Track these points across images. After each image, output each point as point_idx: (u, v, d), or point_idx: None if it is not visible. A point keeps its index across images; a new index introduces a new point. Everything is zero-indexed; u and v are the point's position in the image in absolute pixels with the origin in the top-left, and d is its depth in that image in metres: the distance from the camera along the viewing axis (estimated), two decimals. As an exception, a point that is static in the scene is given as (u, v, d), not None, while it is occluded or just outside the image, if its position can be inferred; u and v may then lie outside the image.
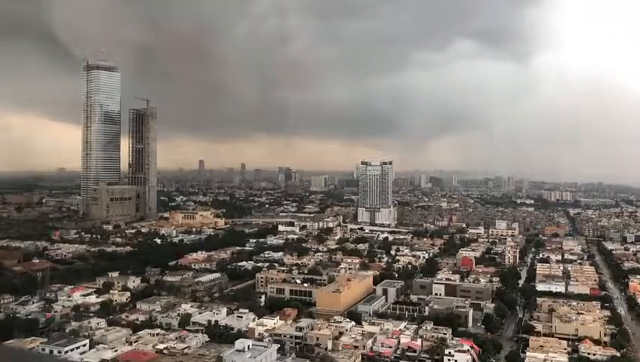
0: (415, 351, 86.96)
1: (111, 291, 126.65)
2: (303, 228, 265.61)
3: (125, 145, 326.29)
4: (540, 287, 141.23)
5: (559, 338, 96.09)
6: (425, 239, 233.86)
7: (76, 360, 77.92)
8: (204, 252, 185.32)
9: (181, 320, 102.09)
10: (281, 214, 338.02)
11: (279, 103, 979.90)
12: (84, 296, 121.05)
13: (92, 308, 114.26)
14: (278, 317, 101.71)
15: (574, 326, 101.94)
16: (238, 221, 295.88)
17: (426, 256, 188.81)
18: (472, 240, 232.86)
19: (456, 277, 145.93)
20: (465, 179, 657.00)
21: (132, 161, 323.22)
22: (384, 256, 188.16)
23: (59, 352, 78.76)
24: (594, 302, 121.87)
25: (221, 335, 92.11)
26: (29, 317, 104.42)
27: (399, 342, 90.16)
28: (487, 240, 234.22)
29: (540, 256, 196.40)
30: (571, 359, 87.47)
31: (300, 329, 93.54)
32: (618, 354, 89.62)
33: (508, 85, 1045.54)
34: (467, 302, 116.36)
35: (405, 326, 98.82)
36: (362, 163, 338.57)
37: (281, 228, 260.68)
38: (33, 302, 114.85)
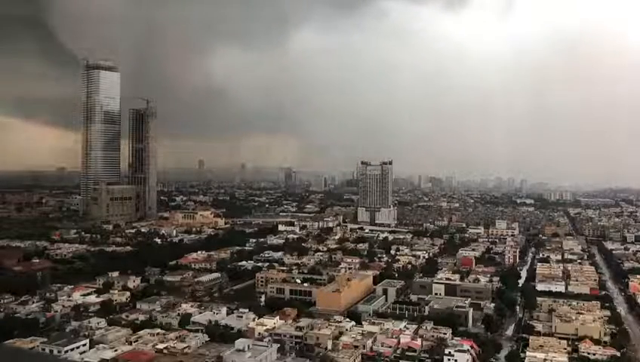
0: (415, 351, 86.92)
1: (111, 291, 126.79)
2: (303, 227, 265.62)
3: (125, 145, 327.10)
4: (540, 287, 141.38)
5: (559, 338, 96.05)
6: (425, 239, 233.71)
7: (76, 359, 77.91)
8: (204, 252, 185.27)
9: (181, 320, 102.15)
10: (281, 214, 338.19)
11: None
12: (84, 295, 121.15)
13: (92, 307, 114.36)
14: (278, 317, 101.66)
15: (574, 325, 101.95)
16: (238, 221, 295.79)
17: (426, 255, 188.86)
18: (472, 239, 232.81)
19: (456, 277, 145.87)
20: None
21: (132, 161, 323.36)
22: (384, 255, 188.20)
23: (59, 352, 78.72)
24: (594, 302, 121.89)
25: (221, 335, 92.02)
26: (29, 316, 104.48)
27: (399, 341, 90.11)
28: (487, 240, 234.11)
29: (540, 255, 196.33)
30: (571, 359, 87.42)
31: (300, 328, 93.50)
32: (618, 354, 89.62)
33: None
34: (467, 302, 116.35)
35: (405, 326, 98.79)
36: (362, 163, 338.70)
37: (281, 227, 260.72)
38: (33, 302, 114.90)
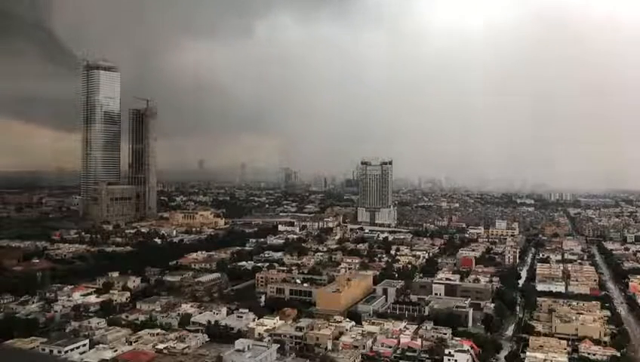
0: (415, 351, 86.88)
1: (111, 291, 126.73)
2: (303, 228, 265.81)
3: (125, 145, 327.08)
4: (540, 287, 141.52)
5: (559, 339, 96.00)
6: (425, 239, 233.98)
7: (76, 360, 77.95)
8: (204, 252, 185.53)
9: (181, 320, 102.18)
10: (281, 214, 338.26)
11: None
12: (84, 295, 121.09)
13: (92, 308, 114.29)
14: (278, 317, 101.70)
15: (574, 326, 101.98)
16: (238, 221, 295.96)
17: (426, 256, 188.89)
18: (472, 240, 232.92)
19: (456, 277, 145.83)
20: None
21: (132, 161, 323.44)
22: (384, 256, 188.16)
23: (59, 352, 78.80)
24: (594, 302, 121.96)
25: (221, 335, 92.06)
26: (29, 317, 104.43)
27: (399, 341, 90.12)
28: (487, 240, 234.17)
29: (540, 256, 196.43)
30: (571, 359, 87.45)
31: (300, 329, 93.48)
32: (618, 354, 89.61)
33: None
34: (467, 302, 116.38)
35: (405, 326, 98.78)
36: (362, 163, 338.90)
37: (281, 228, 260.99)
38: (33, 302, 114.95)
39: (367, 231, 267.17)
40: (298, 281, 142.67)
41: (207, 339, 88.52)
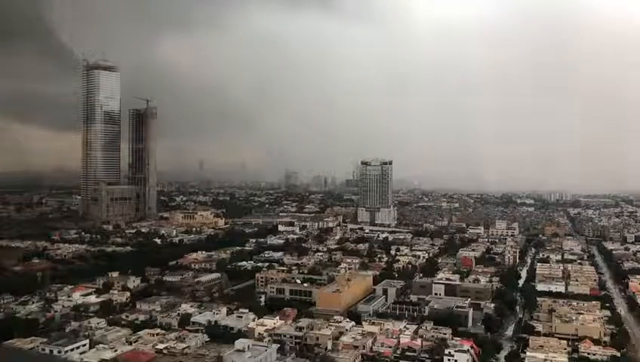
0: (415, 351, 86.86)
1: (111, 291, 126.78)
2: (303, 228, 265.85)
3: (125, 145, 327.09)
4: (540, 287, 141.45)
5: (559, 338, 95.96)
6: (425, 239, 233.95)
7: (76, 360, 77.90)
8: (204, 252, 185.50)
9: (181, 320, 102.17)
10: (281, 214, 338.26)
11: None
12: (84, 295, 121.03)
13: (92, 308, 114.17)
14: (278, 317, 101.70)
15: (574, 326, 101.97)
16: (238, 221, 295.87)
17: (426, 256, 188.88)
18: (472, 240, 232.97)
19: (456, 277, 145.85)
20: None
21: (132, 161, 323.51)
22: (384, 256, 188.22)
23: (59, 352, 78.73)
24: (594, 302, 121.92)
25: (221, 335, 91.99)
26: (29, 317, 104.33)
27: (399, 341, 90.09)
28: (487, 240, 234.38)
29: (540, 256, 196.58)
30: (571, 359, 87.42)
31: (300, 329, 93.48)
32: (618, 354, 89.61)
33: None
34: (467, 302, 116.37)
35: (405, 326, 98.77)
36: (362, 163, 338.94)
37: (281, 228, 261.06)
38: (33, 302, 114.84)
39: (367, 231, 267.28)
40: (298, 281, 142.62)
41: (207, 339, 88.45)
